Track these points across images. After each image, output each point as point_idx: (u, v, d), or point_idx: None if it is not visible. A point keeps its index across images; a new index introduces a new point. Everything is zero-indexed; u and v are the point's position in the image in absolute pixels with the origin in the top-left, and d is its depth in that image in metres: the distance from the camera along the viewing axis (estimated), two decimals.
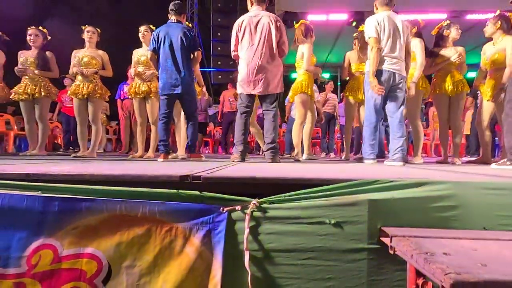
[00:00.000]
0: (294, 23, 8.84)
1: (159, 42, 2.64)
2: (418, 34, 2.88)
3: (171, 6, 2.75)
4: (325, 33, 9.50)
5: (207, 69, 9.42)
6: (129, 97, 3.53)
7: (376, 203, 0.83)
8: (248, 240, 0.85)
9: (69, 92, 3.22)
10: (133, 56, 3.36)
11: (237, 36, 2.54)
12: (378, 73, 2.36)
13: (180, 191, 0.90)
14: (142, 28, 3.33)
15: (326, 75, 12.61)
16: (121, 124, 5.24)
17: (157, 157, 2.83)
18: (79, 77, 3.13)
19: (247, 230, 0.86)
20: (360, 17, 8.39)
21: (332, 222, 0.83)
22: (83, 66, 3.12)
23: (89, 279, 0.90)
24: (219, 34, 8.77)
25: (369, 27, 2.41)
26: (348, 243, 0.84)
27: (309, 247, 0.84)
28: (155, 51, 2.67)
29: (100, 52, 3.25)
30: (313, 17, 8.62)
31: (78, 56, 3.16)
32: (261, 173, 1.04)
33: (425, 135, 5.77)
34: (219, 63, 8.90)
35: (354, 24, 8.23)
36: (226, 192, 0.93)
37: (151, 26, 3.35)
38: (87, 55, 3.15)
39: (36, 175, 0.95)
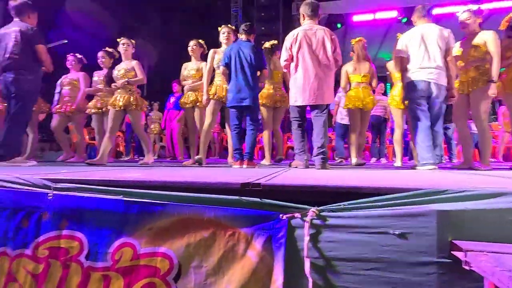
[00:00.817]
0: (339, 25, 8.66)
1: (230, 58, 2.91)
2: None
3: (242, 27, 3.08)
4: (372, 33, 9.12)
5: None
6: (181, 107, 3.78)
7: (447, 214, 0.79)
8: (308, 248, 0.87)
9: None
10: (182, 69, 3.56)
11: (291, 47, 2.68)
12: (413, 85, 2.51)
13: (242, 197, 0.95)
14: (192, 43, 3.53)
15: None
16: (167, 133, 5.67)
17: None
18: (118, 90, 3.31)
19: (307, 238, 0.87)
20: (411, 12, 7.91)
21: (397, 233, 0.80)
22: (120, 78, 3.29)
23: (162, 276, 0.99)
24: (262, 42, 8.96)
25: (397, 47, 2.68)
26: (415, 256, 0.80)
27: (373, 257, 0.82)
28: (227, 66, 2.93)
29: (133, 62, 3.35)
30: (358, 18, 8.38)
31: (117, 69, 3.37)
32: (319, 181, 1.05)
33: (493, 138, 5.15)
34: None
35: (405, 20, 7.77)
36: (284, 199, 0.96)
37: (200, 41, 3.59)
38: (123, 68, 3.31)
39: (116, 181, 1.09)
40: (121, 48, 3.36)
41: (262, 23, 8.97)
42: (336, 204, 0.89)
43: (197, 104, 3.40)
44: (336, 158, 4.94)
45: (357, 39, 3.95)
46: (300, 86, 2.60)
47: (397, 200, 0.84)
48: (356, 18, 8.36)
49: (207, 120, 3.26)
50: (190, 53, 3.49)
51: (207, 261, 0.96)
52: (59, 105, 4.05)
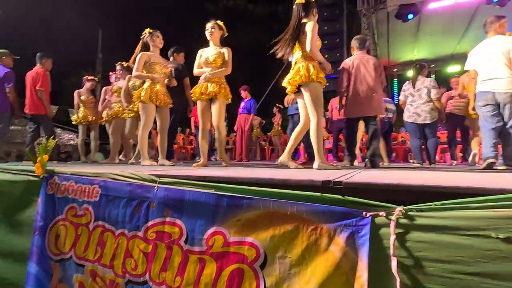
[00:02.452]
0: (411, 16, 7.93)
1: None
2: None
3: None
4: (453, 20, 8.12)
5: None
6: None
7: None
8: (395, 246, 0.87)
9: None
10: (197, 56, 3.03)
11: (348, 73, 3.23)
12: (481, 95, 2.83)
13: (324, 194, 0.99)
14: (209, 25, 2.97)
15: (456, 68, 10.63)
16: (238, 136, 5.97)
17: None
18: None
19: (393, 236, 0.87)
20: None
21: (501, 236, 0.75)
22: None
23: (250, 263, 1.10)
24: (325, 42, 8.79)
25: (468, 61, 3.04)
26: None
27: (470, 261, 0.78)
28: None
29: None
30: (436, 4, 7.55)
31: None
32: (401, 180, 1.03)
33: None
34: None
35: (496, 0, 6.72)
36: (364, 197, 0.98)
37: (218, 22, 3.04)
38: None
39: (208, 177, 1.25)
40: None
41: (325, 23, 8.80)
42: (425, 204, 0.86)
43: (217, 96, 2.89)
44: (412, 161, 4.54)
45: None
46: (354, 103, 3.19)
47: (499, 202, 0.78)
48: (433, 5, 7.53)
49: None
50: (208, 37, 2.98)
51: (291, 252, 1.03)
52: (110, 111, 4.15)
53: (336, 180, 1.02)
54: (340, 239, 0.96)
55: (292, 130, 3.85)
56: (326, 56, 9.10)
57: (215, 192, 1.19)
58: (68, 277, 1.56)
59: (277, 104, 7.27)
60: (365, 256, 0.90)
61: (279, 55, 2.66)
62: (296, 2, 2.59)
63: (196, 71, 3.05)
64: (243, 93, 5.84)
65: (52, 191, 1.72)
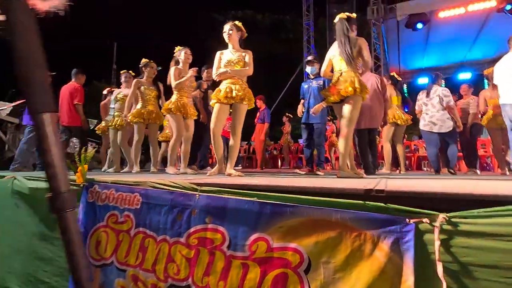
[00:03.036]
0: (420, 25, 8.00)
1: None
2: None
3: None
4: (463, 28, 8.16)
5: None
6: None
7: None
8: (440, 252, 0.92)
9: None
10: (217, 60, 2.89)
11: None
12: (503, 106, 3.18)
13: (366, 202, 1.06)
14: (227, 27, 2.85)
15: (467, 75, 10.59)
16: (256, 145, 6.07)
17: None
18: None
19: (437, 242, 0.92)
20: None
21: None
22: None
23: (294, 268, 1.16)
24: None
25: (494, 76, 3.32)
26: None
27: None
28: None
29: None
30: (446, 13, 7.61)
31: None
32: (445, 188, 1.09)
33: None
34: None
35: (509, 8, 6.75)
36: (405, 205, 1.03)
37: (236, 22, 2.94)
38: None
39: (249, 186, 1.32)
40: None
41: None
42: (468, 212, 0.92)
43: (242, 101, 2.77)
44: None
45: None
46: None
47: None
48: (443, 14, 7.60)
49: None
50: (227, 39, 2.85)
51: (335, 258, 1.09)
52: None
53: (378, 188, 1.08)
54: (385, 245, 1.01)
55: (309, 139, 3.91)
56: None
57: (258, 200, 1.26)
58: (109, 282, 1.64)
59: (286, 114, 7.36)
60: (411, 261, 0.96)
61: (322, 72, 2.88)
62: (339, 17, 2.73)
63: (215, 72, 2.88)
64: (258, 102, 5.94)
65: (93, 199, 1.81)
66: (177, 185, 1.53)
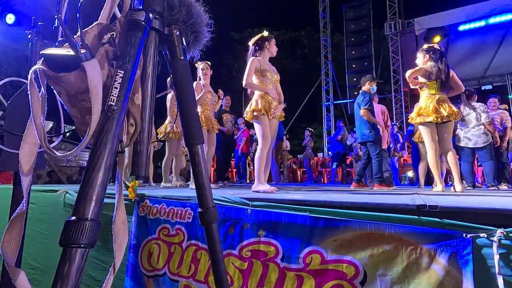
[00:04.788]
0: (437, 38, 8.02)
1: None
2: None
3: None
4: (484, 40, 8.11)
5: (343, 101, 9.70)
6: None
7: None
8: (500, 265, 0.96)
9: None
10: (255, 66, 2.75)
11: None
12: None
13: (421, 217, 1.12)
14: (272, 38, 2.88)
15: (489, 87, 10.42)
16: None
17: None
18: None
19: (497, 256, 0.97)
20: None
21: None
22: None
23: (349, 280, 1.22)
24: (353, 66, 9.03)
25: None
26: None
27: None
28: None
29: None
30: (466, 27, 7.62)
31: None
32: (494, 204, 1.14)
33: None
34: (355, 93, 9.03)
35: None
36: (456, 220, 1.09)
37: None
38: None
39: (300, 201, 1.41)
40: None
41: (353, 48, 9.09)
42: None
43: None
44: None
45: None
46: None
47: None
48: (463, 27, 7.62)
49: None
50: (272, 49, 2.83)
51: (391, 270, 1.15)
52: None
53: (432, 204, 1.14)
54: (442, 259, 1.07)
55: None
56: (355, 79, 9.33)
57: (311, 215, 1.35)
58: None
59: (309, 128, 7.46)
60: (470, 275, 1.01)
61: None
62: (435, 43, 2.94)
63: (254, 81, 2.73)
64: None
65: (144, 213, 1.95)
66: (228, 200, 1.63)
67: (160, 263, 1.79)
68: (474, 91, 4.14)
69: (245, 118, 2.79)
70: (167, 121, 3.92)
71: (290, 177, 8.54)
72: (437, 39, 7.95)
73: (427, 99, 2.84)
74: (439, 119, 2.72)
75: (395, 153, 5.94)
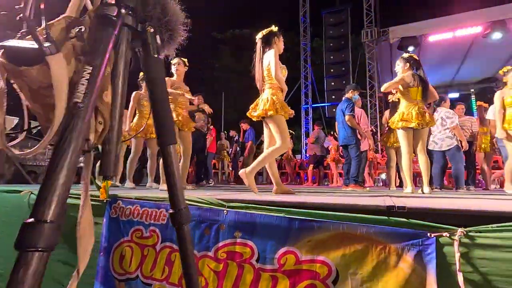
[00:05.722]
0: (411, 48, 8.42)
1: None
2: None
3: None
4: (451, 51, 8.63)
5: (321, 104, 9.93)
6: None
7: None
8: (460, 263, 1.03)
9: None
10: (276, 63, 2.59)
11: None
12: None
13: (390, 217, 1.17)
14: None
15: (455, 95, 11.09)
16: None
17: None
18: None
19: (458, 254, 1.04)
20: (499, 25, 7.32)
21: None
22: None
23: (322, 280, 1.25)
24: (332, 70, 9.28)
25: None
26: None
27: None
28: None
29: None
30: (435, 37, 8.07)
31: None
32: (460, 205, 1.21)
33: None
34: (333, 97, 9.28)
35: (494, 35, 7.23)
36: (422, 220, 1.15)
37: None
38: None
39: (277, 202, 1.42)
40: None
41: (331, 53, 9.35)
42: (483, 226, 1.04)
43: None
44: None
45: None
46: None
47: None
48: (433, 38, 8.06)
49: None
50: (276, 48, 2.69)
51: (361, 269, 1.19)
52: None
53: (400, 205, 1.20)
54: (408, 257, 1.12)
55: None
56: (333, 83, 9.59)
57: (287, 216, 1.36)
58: None
59: (332, 132, 7.40)
60: (433, 272, 1.06)
61: None
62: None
63: (282, 77, 2.60)
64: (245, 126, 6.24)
65: (116, 214, 1.88)
66: (204, 201, 1.62)
67: (132, 266, 1.73)
68: (444, 97, 4.39)
69: (257, 115, 2.56)
70: (135, 120, 3.81)
71: (269, 179, 8.60)
72: (411, 48, 8.35)
73: (408, 106, 2.99)
74: (420, 126, 2.86)
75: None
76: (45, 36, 0.37)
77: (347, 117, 3.89)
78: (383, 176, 7.42)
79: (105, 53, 0.41)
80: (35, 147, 0.37)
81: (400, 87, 3.06)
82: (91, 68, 0.39)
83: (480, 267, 1.01)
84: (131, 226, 1.80)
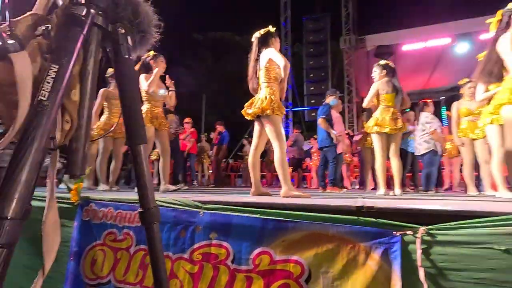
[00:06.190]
0: (386, 56, 8.81)
1: None
2: None
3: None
4: (423, 60, 9.10)
5: (301, 108, 10.12)
6: None
7: None
8: (421, 259, 1.10)
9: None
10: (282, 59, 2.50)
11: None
12: None
13: (359, 217, 1.22)
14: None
15: (428, 101, 11.69)
16: None
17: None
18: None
19: (419, 251, 1.10)
20: (466, 37, 7.82)
21: (502, 248, 1.00)
22: None
23: (295, 279, 1.28)
24: (311, 75, 9.50)
25: None
26: None
27: (481, 268, 1.02)
28: None
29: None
30: (408, 47, 8.48)
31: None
32: (421, 205, 1.29)
33: None
34: (313, 101, 9.48)
35: (461, 46, 7.72)
36: (391, 219, 1.21)
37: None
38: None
39: (252, 203, 1.44)
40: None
41: (311, 58, 9.57)
42: (443, 224, 1.11)
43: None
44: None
45: None
46: None
47: (497, 222, 1.04)
48: (406, 47, 8.48)
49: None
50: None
51: (333, 268, 1.23)
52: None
53: (369, 205, 1.26)
54: (376, 255, 1.17)
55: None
56: (312, 88, 9.81)
57: (261, 217, 1.39)
58: None
59: (315, 136, 7.40)
60: (398, 268, 1.12)
61: None
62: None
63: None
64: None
65: (88, 217, 1.82)
66: (180, 203, 1.61)
67: (104, 270, 1.68)
68: (426, 102, 4.58)
69: (252, 113, 2.50)
70: (103, 118, 3.66)
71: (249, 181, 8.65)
72: (386, 56, 8.72)
73: (383, 111, 3.13)
74: (393, 131, 3.00)
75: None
76: (8, 33, 0.37)
77: (319, 120, 4.03)
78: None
79: (73, 52, 0.42)
80: None
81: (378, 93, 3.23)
82: (57, 66, 0.39)
83: (439, 262, 1.08)
84: (104, 229, 1.75)
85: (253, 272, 1.35)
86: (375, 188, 4.96)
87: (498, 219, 1.04)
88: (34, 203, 1.67)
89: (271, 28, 2.66)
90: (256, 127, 2.62)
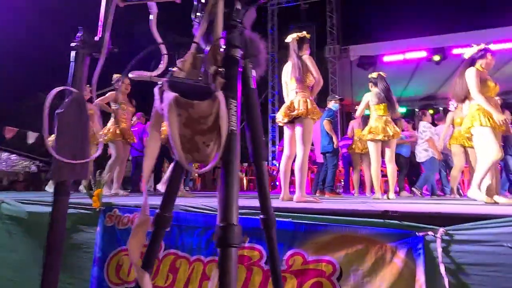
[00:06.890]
0: (369, 66, 9.23)
1: None
2: None
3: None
4: (401, 71, 9.68)
5: None
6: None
7: None
8: (442, 256, 1.26)
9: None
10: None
11: None
12: None
13: (386, 220, 1.38)
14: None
15: (403, 109, 12.39)
16: None
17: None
18: None
19: (440, 249, 1.27)
20: (442, 52, 8.46)
21: (510, 245, 1.19)
22: None
23: (328, 277, 1.40)
24: None
25: None
26: None
27: (493, 263, 1.20)
28: None
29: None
30: (389, 58, 9.00)
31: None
32: (440, 209, 1.47)
33: None
34: None
35: (438, 59, 8.32)
36: (413, 222, 1.38)
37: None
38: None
39: (282, 208, 1.55)
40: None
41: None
42: (459, 225, 1.29)
43: None
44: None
45: None
46: None
47: (506, 223, 1.23)
48: (387, 58, 8.98)
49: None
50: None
51: (362, 266, 1.37)
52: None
53: (393, 210, 1.41)
54: (401, 253, 1.33)
55: None
56: None
57: (293, 221, 1.50)
58: None
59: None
60: (422, 265, 1.28)
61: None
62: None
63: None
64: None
65: (112, 223, 1.84)
66: (209, 208, 1.68)
67: (131, 275, 1.71)
68: (424, 112, 4.87)
69: (291, 116, 2.49)
70: (110, 123, 3.71)
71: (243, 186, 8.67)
72: (371, 68, 9.19)
73: (376, 120, 3.36)
74: (386, 138, 3.23)
75: None
76: (203, 77, 0.46)
77: (324, 122, 4.17)
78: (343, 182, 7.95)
79: (237, 89, 0.51)
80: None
81: (369, 103, 3.48)
82: (235, 101, 0.48)
83: (457, 258, 1.25)
84: (129, 234, 1.78)
85: (286, 272, 1.46)
86: (363, 193, 5.22)
87: (506, 220, 1.23)
88: (40, 208, 1.68)
89: (307, 35, 2.76)
90: (287, 133, 2.62)
